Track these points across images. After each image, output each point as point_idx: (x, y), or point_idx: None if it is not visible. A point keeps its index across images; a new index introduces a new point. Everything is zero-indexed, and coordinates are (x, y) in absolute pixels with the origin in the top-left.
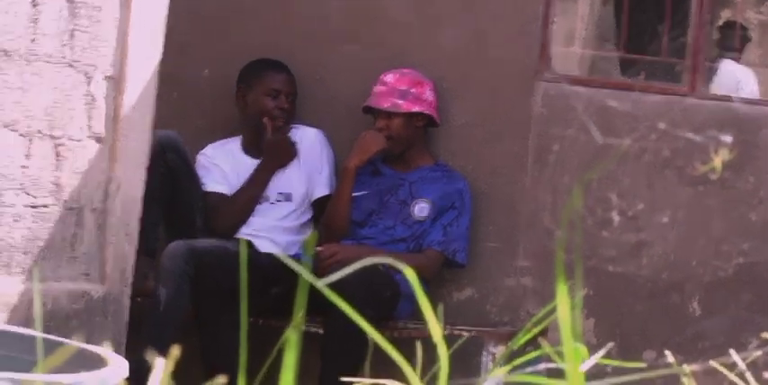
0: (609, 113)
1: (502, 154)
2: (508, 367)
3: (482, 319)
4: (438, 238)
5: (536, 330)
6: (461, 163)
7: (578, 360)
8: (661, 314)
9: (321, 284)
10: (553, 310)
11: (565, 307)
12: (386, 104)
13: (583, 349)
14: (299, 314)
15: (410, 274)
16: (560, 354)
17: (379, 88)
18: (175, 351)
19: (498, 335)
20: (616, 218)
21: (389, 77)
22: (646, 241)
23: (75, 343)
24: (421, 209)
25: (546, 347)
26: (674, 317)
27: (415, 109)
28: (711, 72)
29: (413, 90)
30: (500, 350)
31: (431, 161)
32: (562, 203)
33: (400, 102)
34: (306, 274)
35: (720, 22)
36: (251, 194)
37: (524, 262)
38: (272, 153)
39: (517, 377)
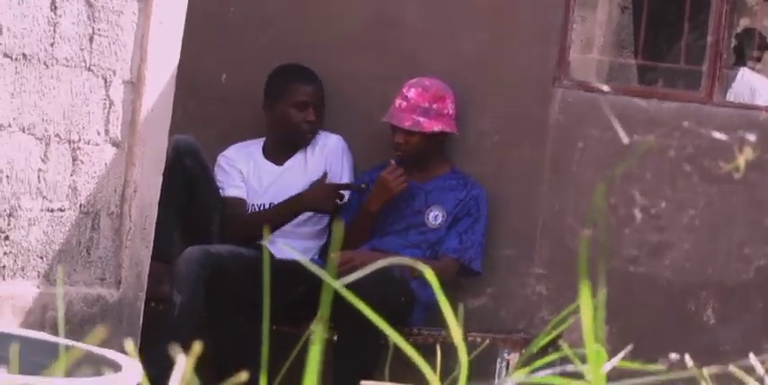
0: (627, 119)
1: (519, 160)
2: (528, 368)
3: (497, 326)
4: (454, 246)
5: (555, 332)
6: (478, 169)
7: (600, 362)
8: (678, 316)
9: (339, 285)
10: (571, 313)
11: (588, 308)
12: (407, 123)
13: (603, 352)
14: (324, 313)
15: (430, 277)
16: (578, 356)
17: (400, 103)
18: (197, 347)
19: (513, 341)
20: (638, 215)
21: (412, 93)
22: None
23: (90, 347)
24: (435, 216)
25: (566, 349)
26: (690, 320)
27: (437, 128)
28: (729, 80)
29: (435, 106)
30: (514, 357)
31: (447, 169)
32: (579, 211)
33: (422, 120)
34: (326, 277)
35: (739, 30)
36: (269, 221)
37: (540, 269)
38: (313, 202)
39: (537, 379)
